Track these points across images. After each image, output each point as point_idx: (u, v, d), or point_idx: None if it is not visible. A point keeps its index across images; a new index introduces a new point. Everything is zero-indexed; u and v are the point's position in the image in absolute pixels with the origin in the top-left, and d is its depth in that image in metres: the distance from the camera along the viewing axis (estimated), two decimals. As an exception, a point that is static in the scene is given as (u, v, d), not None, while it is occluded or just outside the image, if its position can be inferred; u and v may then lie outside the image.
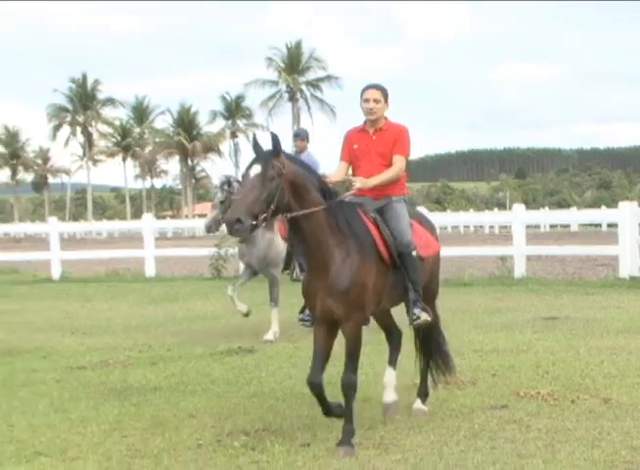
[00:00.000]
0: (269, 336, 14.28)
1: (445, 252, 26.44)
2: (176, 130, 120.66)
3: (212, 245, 26.01)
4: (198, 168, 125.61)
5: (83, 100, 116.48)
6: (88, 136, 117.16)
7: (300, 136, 15.46)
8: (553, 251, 28.03)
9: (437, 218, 48.03)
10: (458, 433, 8.32)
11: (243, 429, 8.58)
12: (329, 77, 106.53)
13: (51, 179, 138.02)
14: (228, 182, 13.62)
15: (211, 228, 13.85)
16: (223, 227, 14.16)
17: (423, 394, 9.24)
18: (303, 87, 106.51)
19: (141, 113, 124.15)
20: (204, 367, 12.15)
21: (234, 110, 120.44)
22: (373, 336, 10.16)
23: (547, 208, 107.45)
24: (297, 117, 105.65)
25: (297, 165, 7.91)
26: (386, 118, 8.85)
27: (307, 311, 8.38)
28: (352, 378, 7.93)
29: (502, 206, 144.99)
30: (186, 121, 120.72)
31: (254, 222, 7.45)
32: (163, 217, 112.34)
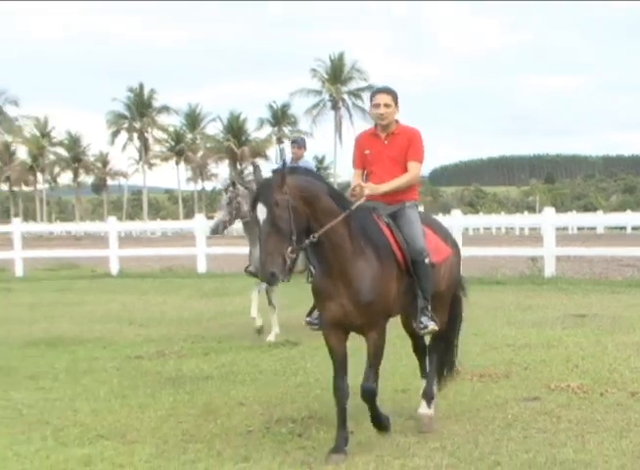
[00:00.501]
0: (271, 337, 13.74)
1: (479, 252, 26.78)
2: (226, 136, 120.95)
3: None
4: (246, 172, 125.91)
5: (140, 108, 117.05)
6: (144, 141, 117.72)
7: (298, 144, 14.66)
8: (581, 252, 27.86)
9: (471, 220, 48.39)
10: (493, 423, 8.29)
11: (290, 416, 8.60)
12: (370, 87, 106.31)
13: (109, 181, 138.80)
14: (232, 184, 13.68)
15: (218, 230, 13.84)
16: (230, 228, 14.31)
17: (428, 397, 8.43)
18: (345, 96, 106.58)
19: (193, 120, 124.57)
20: (252, 358, 12.17)
21: (280, 117, 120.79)
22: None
23: (575, 211, 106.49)
24: (338, 125, 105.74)
25: (301, 176, 7.25)
26: (397, 122, 8.20)
27: (315, 315, 7.90)
28: (372, 386, 7.46)
29: (532, 209, 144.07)
30: (235, 128, 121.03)
31: (285, 262, 6.88)
32: (213, 218, 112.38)
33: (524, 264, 24.50)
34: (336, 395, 7.47)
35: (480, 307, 17.13)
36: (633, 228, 67.74)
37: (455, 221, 25.24)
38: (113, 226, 30.44)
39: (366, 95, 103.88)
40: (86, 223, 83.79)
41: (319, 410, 8.80)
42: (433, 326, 7.92)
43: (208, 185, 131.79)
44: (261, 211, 6.96)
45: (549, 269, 22.98)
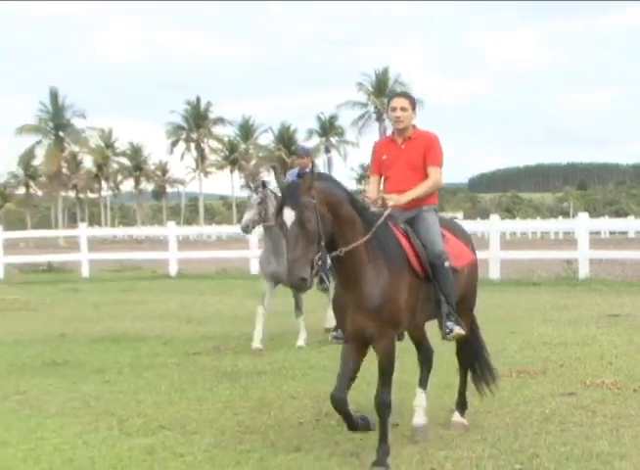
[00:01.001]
0: (300, 342, 13.13)
1: (516, 255, 26.65)
2: (277, 146, 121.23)
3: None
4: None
5: (197, 119, 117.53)
6: (201, 151, 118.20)
7: (300, 154, 13.88)
8: (613, 254, 27.58)
9: (508, 225, 48.06)
10: (531, 417, 8.24)
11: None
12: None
13: (168, 189, 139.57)
14: (263, 184, 13.23)
15: (248, 228, 13.20)
16: (259, 228, 13.86)
17: (461, 405, 8.04)
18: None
19: (247, 130, 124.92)
20: (303, 355, 12.18)
21: (328, 128, 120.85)
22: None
23: (607, 216, 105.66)
24: (383, 135, 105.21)
25: (327, 181, 6.75)
26: (414, 127, 7.73)
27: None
28: (386, 398, 6.89)
29: (566, 214, 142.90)
30: (286, 138, 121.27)
31: (313, 268, 6.33)
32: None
33: (559, 267, 24.31)
34: (332, 404, 7.00)
35: (518, 308, 17.06)
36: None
37: (493, 226, 25.14)
38: (171, 230, 30.66)
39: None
40: (147, 228, 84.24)
41: (366, 404, 8.73)
42: (458, 330, 7.40)
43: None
44: (289, 215, 6.38)
45: (583, 271, 22.79)
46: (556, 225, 55.39)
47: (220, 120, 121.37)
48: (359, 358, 7.02)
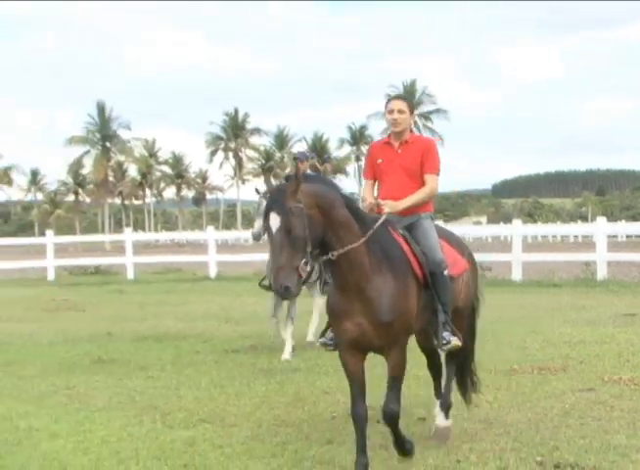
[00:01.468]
0: (286, 355, 11.92)
1: (537, 258, 26.53)
2: (310, 155, 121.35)
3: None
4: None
5: (235, 130, 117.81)
6: (238, 160, 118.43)
7: (299, 159, 13.21)
8: (630, 257, 27.31)
9: (530, 229, 47.76)
10: (552, 411, 8.19)
11: (369, 404, 8.51)
12: (438, 110, 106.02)
13: (208, 195, 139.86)
14: None
15: (260, 236, 12.08)
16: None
17: (445, 407, 7.48)
18: (416, 118, 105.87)
19: (282, 140, 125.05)
20: (335, 353, 12.11)
21: (358, 137, 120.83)
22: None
23: (624, 220, 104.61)
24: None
25: (317, 183, 6.16)
26: (411, 131, 7.21)
27: (329, 335, 6.81)
28: (395, 408, 6.40)
29: (584, 219, 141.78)
30: (318, 147, 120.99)
31: (300, 276, 5.77)
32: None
33: (578, 269, 24.16)
34: (354, 420, 6.42)
35: (539, 308, 16.98)
36: (678, 236, 66.33)
37: (515, 230, 25.05)
38: (211, 235, 30.74)
39: (434, 117, 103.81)
40: (188, 232, 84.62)
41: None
42: (455, 341, 6.85)
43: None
44: (274, 220, 5.83)
45: (601, 273, 22.64)
46: (575, 229, 54.90)
47: (257, 131, 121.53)
48: (362, 365, 6.51)
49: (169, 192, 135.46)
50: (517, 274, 23.63)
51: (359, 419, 6.36)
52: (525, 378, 9.76)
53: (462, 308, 7.32)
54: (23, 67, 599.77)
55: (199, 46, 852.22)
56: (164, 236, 67.98)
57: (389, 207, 6.75)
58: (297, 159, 12.83)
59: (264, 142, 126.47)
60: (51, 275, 30.45)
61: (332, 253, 6.01)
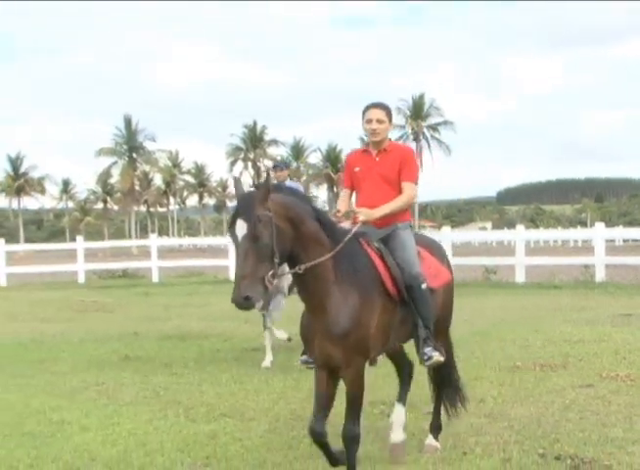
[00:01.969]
0: (266, 362, 11.53)
1: (539, 261, 26.44)
2: (325, 164, 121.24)
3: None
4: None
5: (253, 141, 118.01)
6: (257, 169, 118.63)
7: (279, 167, 12.29)
8: (627, 261, 27.20)
9: (532, 234, 47.60)
10: (553, 406, 8.18)
11: (380, 400, 8.57)
12: (445, 122, 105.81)
13: (228, 203, 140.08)
14: None
15: None
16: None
17: (435, 427, 7.00)
18: (425, 130, 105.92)
19: (298, 151, 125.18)
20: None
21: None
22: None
23: (621, 226, 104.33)
24: (419, 155, 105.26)
25: (287, 195, 5.59)
26: (389, 139, 6.57)
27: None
28: (354, 430, 5.77)
29: (584, 224, 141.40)
30: (333, 157, 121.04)
31: (265, 287, 5.21)
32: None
33: (577, 271, 24.08)
34: (310, 435, 5.87)
35: (541, 308, 16.93)
36: (673, 240, 65.98)
37: (518, 235, 25.01)
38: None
39: (442, 128, 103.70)
40: (209, 238, 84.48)
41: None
42: (437, 357, 6.24)
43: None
44: (241, 227, 5.30)
45: (599, 275, 22.57)
46: (575, 234, 54.82)
47: (274, 142, 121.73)
48: (332, 386, 5.89)
49: (192, 200, 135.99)
50: (520, 277, 23.59)
51: (316, 435, 5.81)
52: (528, 374, 9.75)
53: (446, 319, 6.84)
54: (57, 82, 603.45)
55: (218, 62, 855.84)
56: (187, 241, 67.87)
57: (364, 215, 6.18)
58: (277, 166, 12.16)
59: (281, 152, 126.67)
60: (81, 278, 30.55)
61: (299, 266, 5.48)
